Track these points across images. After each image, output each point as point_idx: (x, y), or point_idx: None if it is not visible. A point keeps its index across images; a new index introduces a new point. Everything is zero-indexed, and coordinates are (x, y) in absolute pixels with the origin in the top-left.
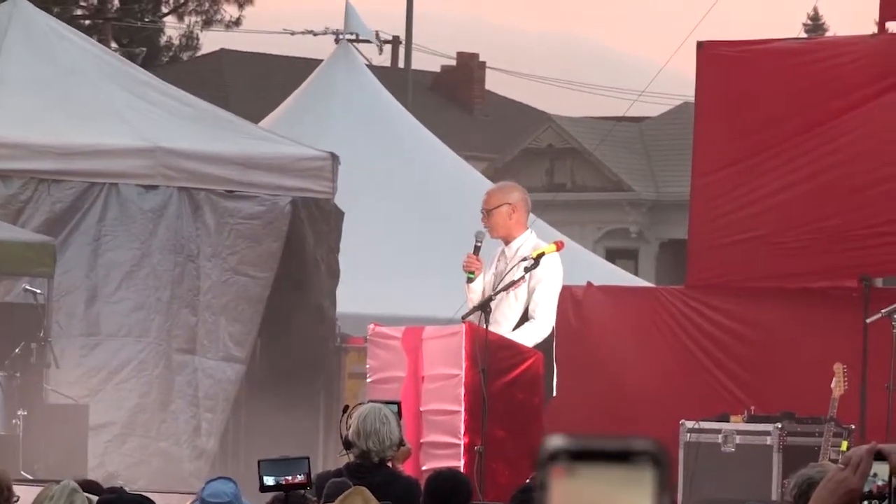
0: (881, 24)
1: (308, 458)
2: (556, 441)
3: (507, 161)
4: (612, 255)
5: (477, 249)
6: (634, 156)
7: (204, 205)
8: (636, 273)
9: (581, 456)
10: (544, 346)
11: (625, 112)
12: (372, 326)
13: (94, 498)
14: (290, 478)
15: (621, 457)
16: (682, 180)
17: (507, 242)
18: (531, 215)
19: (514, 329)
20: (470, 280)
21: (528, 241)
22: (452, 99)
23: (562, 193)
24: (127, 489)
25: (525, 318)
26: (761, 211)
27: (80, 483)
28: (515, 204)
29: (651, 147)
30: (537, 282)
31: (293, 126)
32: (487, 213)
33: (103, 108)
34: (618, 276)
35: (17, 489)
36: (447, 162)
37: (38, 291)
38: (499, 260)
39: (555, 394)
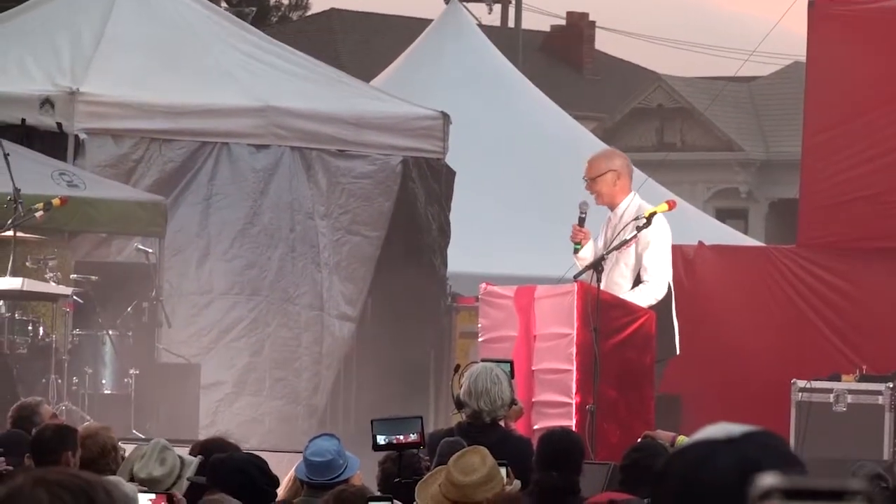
0: None
1: (421, 418)
2: (769, 479)
3: (616, 121)
4: (722, 215)
5: (582, 220)
6: (744, 115)
7: (315, 164)
8: (746, 233)
9: (795, 494)
10: (662, 305)
11: (735, 72)
12: (483, 286)
13: (189, 457)
14: (402, 437)
15: (835, 496)
16: (792, 140)
17: (611, 208)
18: (643, 174)
19: (630, 288)
20: (576, 251)
21: (632, 203)
22: (562, 59)
23: (672, 153)
24: (243, 447)
25: (638, 282)
26: (873, 170)
27: (208, 441)
28: (620, 170)
29: (761, 107)
30: (645, 245)
31: (403, 86)
32: (592, 180)
33: (214, 67)
34: (728, 236)
35: (130, 448)
36: (557, 121)
37: (150, 251)
38: (607, 226)
39: (678, 352)
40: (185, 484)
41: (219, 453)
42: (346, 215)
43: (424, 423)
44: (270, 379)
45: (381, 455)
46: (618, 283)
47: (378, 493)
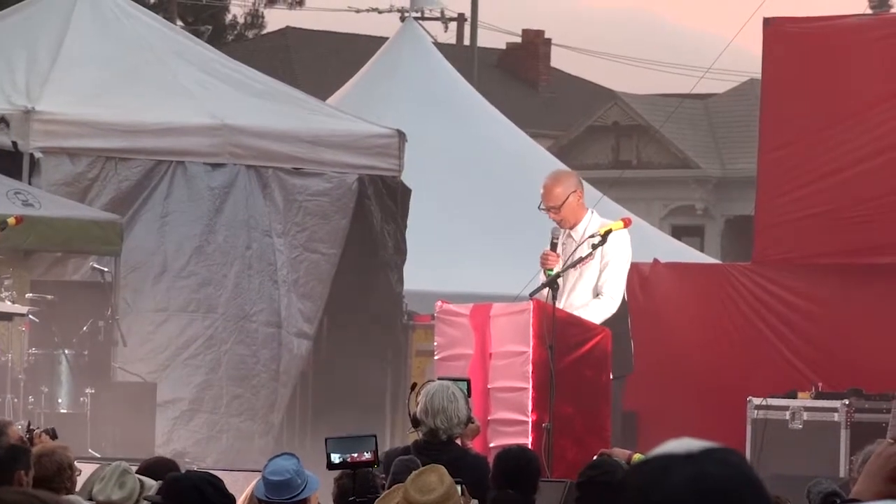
0: None
1: (375, 436)
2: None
3: (572, 138)
4: (678, 232)
5: (554, 246)
6: (700, 133)
7: (272, 182)
8: (702, 250)
9: None
10: (618, 322)
11: (691, 89)
12: (439, 304)
13: (149, 480)
14: (356, 455)
15: None
16: (748, 157)
17: (571, 227)
18: (598, 192)
19: (583, 304)
20: (548, 276)
21: (592, 220)
22: (518, 76)
23: (627, 171)
24: (195, 468)
25: (595, 295)
26: (828, 187)
27: (151, 461)
28: (577, 189)
29: (717, 124)
30: (607, 259)
31: (359, 104)
32: (556, 209)
33: (171, 84)
34: (684, 253)
35: (85, 467)
36: (513, 139)
37: (106, 270)
38: (564, 244)
39: (633, 369)
40: None
41: (169, 472)
42: (304, 233)
43: (379, 441)
44: (228, 396)
45: (337, 472)
46: (577, 294)
47: None
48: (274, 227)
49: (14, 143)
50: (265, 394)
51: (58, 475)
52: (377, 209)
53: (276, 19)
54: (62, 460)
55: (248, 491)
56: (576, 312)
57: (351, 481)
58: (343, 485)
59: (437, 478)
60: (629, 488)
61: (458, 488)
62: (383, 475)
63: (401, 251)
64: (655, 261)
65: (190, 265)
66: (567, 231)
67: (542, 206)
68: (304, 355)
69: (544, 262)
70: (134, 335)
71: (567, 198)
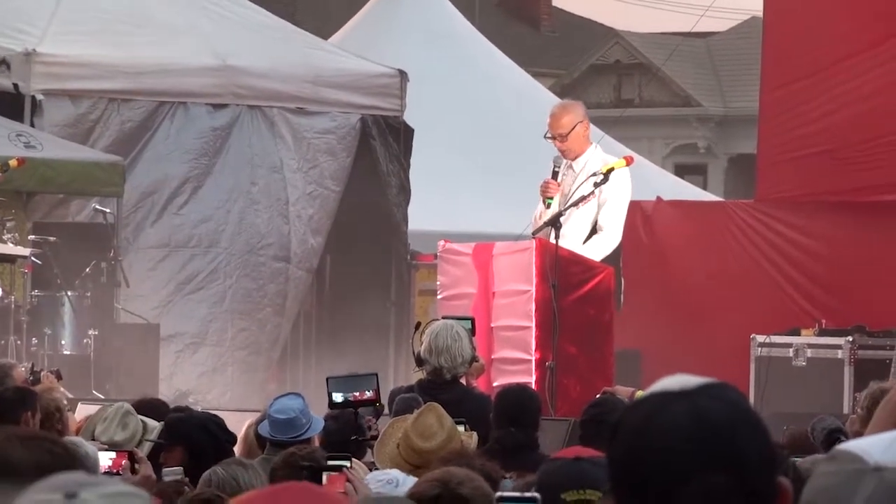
0: None
1: (376, 375)
2: None
3: (574, 77)
4: (681, 171)
5: (555, 175)
6: (702, 71)
7: (278, 120)
8: (705, 188)
9: None
10: (610, 259)
11: (692, 27)
12: (442, 243)
13: (151, 422)
14: (358, 394)
15: None
16: (750, 95)
17: (573, 159)
18: (600, 131)
19: (583, 242)
20: (548, 205)
21: (594, 155)
22: (519, 16)
23: (630, 109)
24: (198, 408)
25: (594, 231)
26: (830, 125)
27: (148, 401)
28: (584, 120)
29: (719, 62)
30: (607, 196)
31: (360, 43)
32: (562, 137)
33: (173, 24)
34: (687, 192)
35: (89, 409)
36: (515, 78)
37: (108, 211)
38: (565, 175)
39: (621, 307)
40: (146, 446)
41: (169, 413)
42: (315, 169)
43: (383, 380)
44: (233, 329)
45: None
46: (575, 229)
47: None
48: (287, 163)
49: (15, 86)
50: (270, 328)
51: (47, 420)
52: (381, 148)
53: None
54: (48, 404)
55: (244, 430)
56: (575, 249)
57: (335, 424)
58: (327, 427)
59: (436, 420)
60: (626, 427)
61: (461, 427)
62: (377, 416)
63: (405, 190)
64: (658, 199)
65: (190, 202)
66: (568, 162)
67: (548, 135)
68: (309, 291)
69: (544, 191)
70: (135, 273)
71: (574, 127)
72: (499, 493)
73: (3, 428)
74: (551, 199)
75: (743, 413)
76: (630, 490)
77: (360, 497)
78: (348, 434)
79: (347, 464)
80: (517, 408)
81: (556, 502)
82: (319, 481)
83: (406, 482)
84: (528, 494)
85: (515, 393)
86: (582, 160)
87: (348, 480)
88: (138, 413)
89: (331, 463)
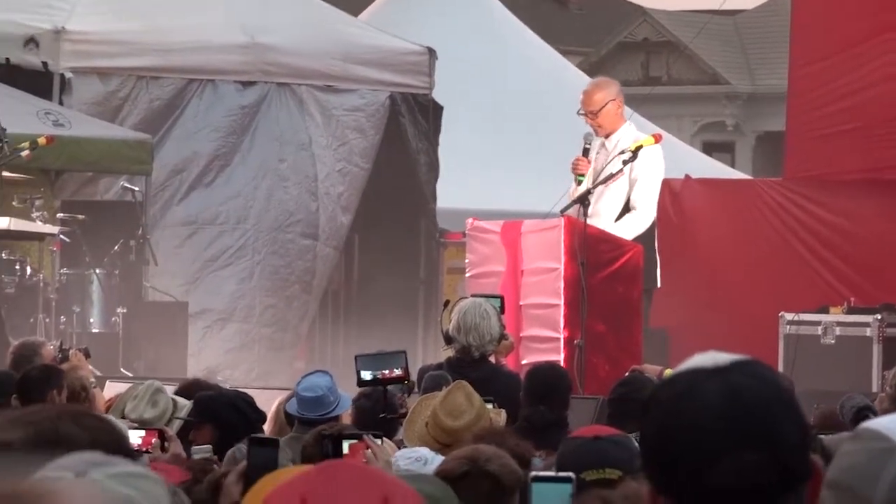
0: None
1: (405, 352)
2: None
3: (602, 55)
4: (709, 149)
5: (586, 152)
6: (730, 48)
7: (307, 98)
8: (733, 166)
9: None
10: (644, 238)
11: (720, 5)
12: (470, 221)
13: (181, 400)
14: (387, 372)
15: None
16: (778, 72)
17: (606, 136)
18: (629, 109)
19: (615, 220)
20: (579, 182)
21: (627, 133)
22: None
23: (658, 87)
24: (227, 386)
25: (626, 209)
26: (859, 102)
27: (188, 382)
28: (618, 98)
29: (747, 39)
30: (638, 174)
31: (388, 21)
32: (594, 114)
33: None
34: (715, 169)
35: (117, 387)
36: (543, 56)
37: (136, 189)
38: (598, 152)
39: (659, 285)
40: (176, 424)
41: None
42: (344, 146)
43: (412, 358)
44: (260, 306)
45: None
46: (606, 206)
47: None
48: (316, 140)
49: (44, 63)
50: (297, 305)
51: (73, 398)
52: (410, 126)
53: None
54: (74, 383)
55: (274, 408)
56: (608, 228)
57: (367, 401)
58: (360, 405)
59: (464, 398)
60: (659, 403)
61: (489, 406)
62: (408, 394)
63: (434, 168)
64: (687, 177)
65: (219, 180)
66: (602, 140)
67: (580, 111)
68: (337, 268)
69: (575, 168)
70: (162, 250)
71: (606, 104)
72: (533, 473)
73: (53, 406)
74: (582, 176)
75: (776, 391)
76: (662, 467)
77: (381, 463)
78: (380, 412)
79: (366, 434)
80: (547, 386)
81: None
82: (340, 450)
83: (434, 460)
84: (563, 474)
85: (546, 371)
86: (615, 138)
87: (367, 448)
88: (183, 395)
89: (349, 432)
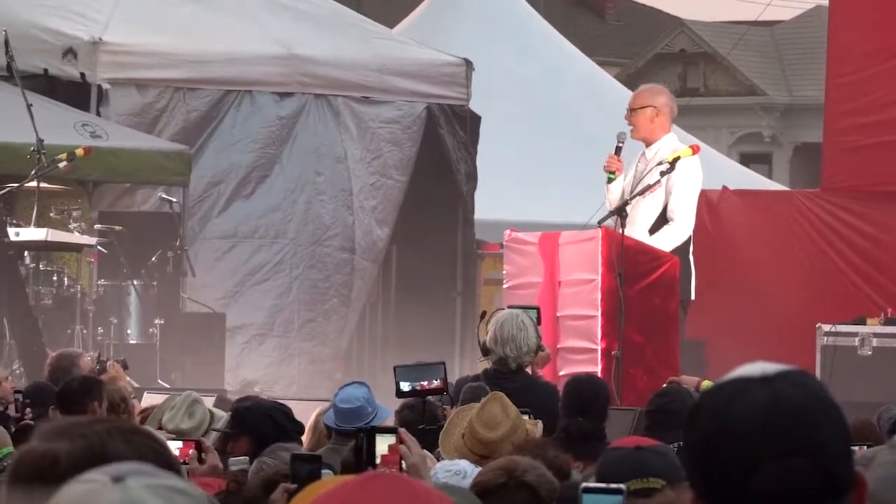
0: None
1: (444, 364)
2: None
3: (639, 66)
4: (746, 160)
5: (618, 150)
6: (767, 60)
7: (343, 110)
8: (770, 177)
9: None
10: (680, 249)
11: (758, 16)
12: (508, 232)
13: (219, 412)
14: (425, 383)
15: None
16: (815, 84)
17: (647, 145)
18: None
19: (651, 230)
20: (610, 180)
21: (667, 144)
22: (584, 4)
23: (695, 98)
24: (264, 397)
25: (663, 220)
26: None
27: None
28: (660, 108)
29: (784, 51)
30: (675, 184)
31: (425, 33)
32: (632, 111)
33: (238, 12)
34: (752, 180)
35: (155, 398)
36: (580, 67)
37: (174, 200)
38: (639, 161)
39: (693, 297)
40: (213, 436)
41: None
42: (379, 159)
43: (449, 369)
44: (299, 321)
45: (398, 405)
46: (643, 216)
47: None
48: (351, 153)
49: (82, 75)
50: (336, 318)
51: (112, 410)
52: (449, 137)
53: None
54: (113, 395)
55: (312, 419)
56: (646, 239)
57: (412, 413)
58: (404, 416)
59: (500, 410)
60: (705, 411)
61: (526, 417)
62: (449, 406)
63: (472, 179)
64: (724, 188)
65: (257, 193)
66: (643, 150)
67: (627, 107)
68: (375, 281)
69: (607, 166)
70: (201, 263)
71: (644, 107)
72: (584, 484)
73: (104, 420)
74: (613, 174)
75: (822, 401)
76: (706, 474)
77: (416, 456)
78: (431, 422)
79: (401, 429)
80: (586, 397)
81: None
82: (373, 445)
83: (474, 473)
84: (613, 486)
85: (584, 382)
86: (655, 147)
87: (401, 442)
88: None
89: (382, 426)
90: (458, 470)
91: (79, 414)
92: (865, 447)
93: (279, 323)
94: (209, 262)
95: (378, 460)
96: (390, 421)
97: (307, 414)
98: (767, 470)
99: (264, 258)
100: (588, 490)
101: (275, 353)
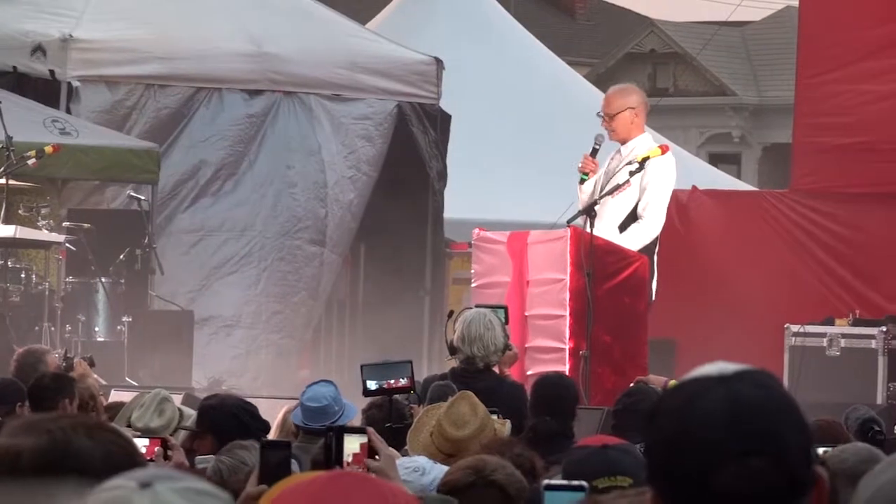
0: None
1: (411, 362)
2: None
3: (609, 66)
4: (715, 160)
5: (594, 152)
6: (737, 60)
7: (315, 107)
8: (739, 177)
9: None
10: (646, 250)
11: (728, 16)
12: (476, 231)
13: (188, 410)
14: (392, 382)
15: None
16: (785, 84)
17: (623, 143)
18: None
19: (621, 228)
20: (583, 181)
21: (642, 143)
22: (554, 4)
23: (664, 98)
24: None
25: (634, 217)
26: (865, 115)
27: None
28: (637, 108)
29: (754, 51)
30: (648, 183)
31: (395, 32)
32: (609, 117)
33: (209, 8)
34: (721, 181)
35: (122, 396)
36: (550, 67)
37: (143, 198)
38: (612, 158)
39: (654, 298)
40: (182, 434)
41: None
42: (353, 154)
43: (417, 368)
44: (267, 312)
45: (365, 404)
46: (612, 213)
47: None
48: (326, 147)
49: (51, 72)
50: (304, 311)
51: (81, 407)
52: (421, 135)
53: None
54: (83, 392)
55: (279, 417)
56: (614, 237)
57: (379, 412)
58: (371, 415)
59: (469, 409)
60: (665, 412)
61: (493, 416)
62: (416, 405)
63: (443, 177)
64: (694, 188)
65: (226, 189)
66: (619, 148)
67: (599, 113)
68: (343, 276)
69: (581, 167)
70: (168, 257)
71: (623, 110)
72: (546, 481)
73: (69, 416)
74: (586, 175)
75: (781, 400)
76: (667, 474)
77: (384, 457)
78: (397, 420)
79: (369, 428)
80: (555, 397)
81: None
82: (342, 443)
83: (433, 470)
84: (576, 483)
85: (553, 382)
86: (630, 146)
87: (370, 442)
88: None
89: (350, 426)
90: (416, 467)
91: (50, 411)
92: (832, 447)
93: (246, 314)
94: (176, 257)
95: (350, 459)
96: (357, 419)
97: (274, 412)
98: (728, 470)
99: (231, 251)
100: (550, 487)
101: (241, 344)
